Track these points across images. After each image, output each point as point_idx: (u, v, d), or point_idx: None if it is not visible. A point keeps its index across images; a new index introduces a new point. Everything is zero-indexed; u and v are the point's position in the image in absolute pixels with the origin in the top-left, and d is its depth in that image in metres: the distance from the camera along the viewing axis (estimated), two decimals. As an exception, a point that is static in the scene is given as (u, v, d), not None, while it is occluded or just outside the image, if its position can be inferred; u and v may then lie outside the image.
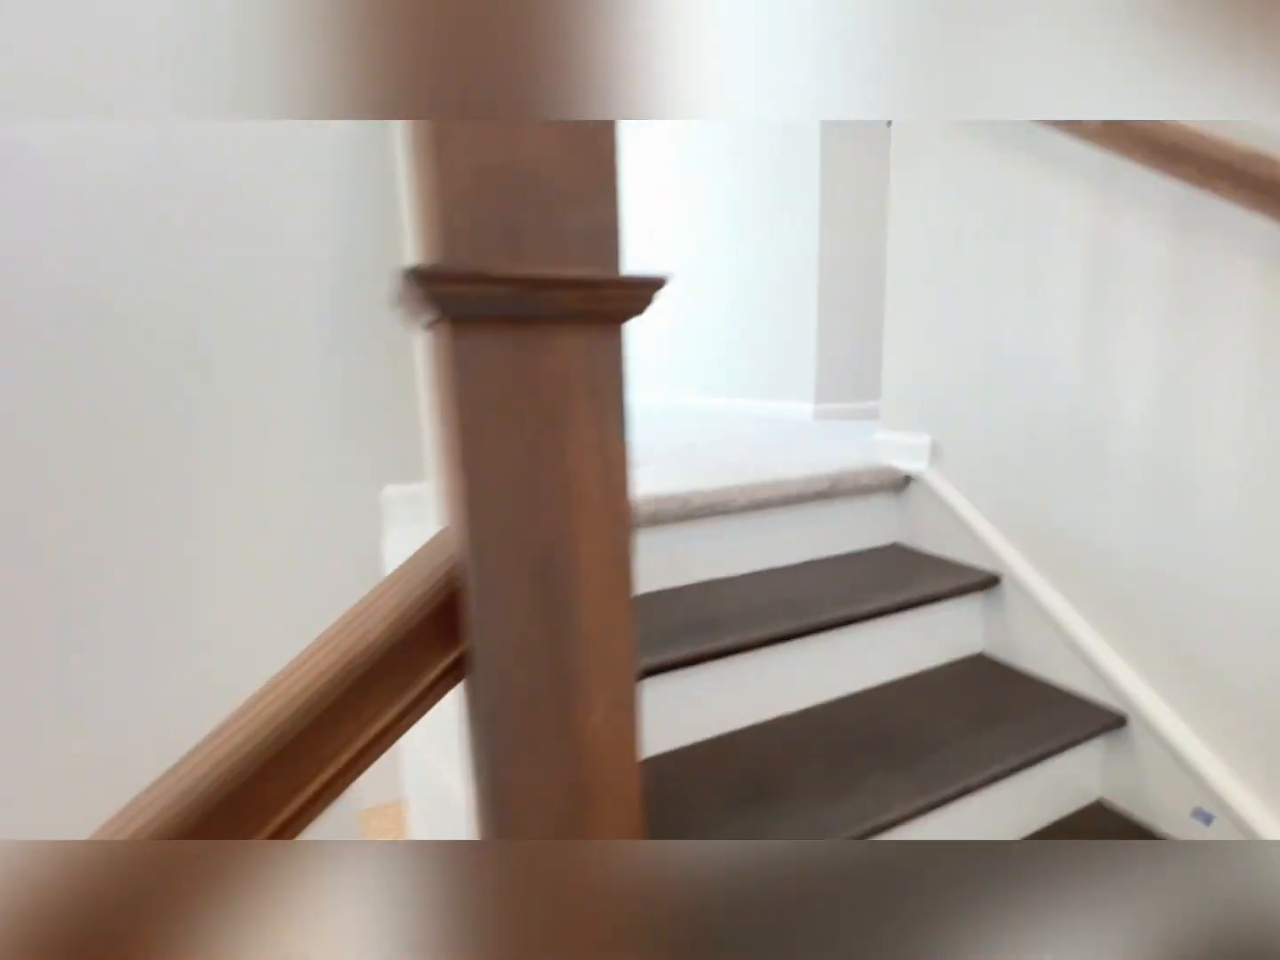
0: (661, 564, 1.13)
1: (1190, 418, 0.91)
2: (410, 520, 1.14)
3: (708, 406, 3.22)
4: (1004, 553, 1.16)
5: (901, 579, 1.17)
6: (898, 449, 1.35)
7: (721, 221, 3.04)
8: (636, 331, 4.14)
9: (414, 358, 1.14)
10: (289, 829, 0.33)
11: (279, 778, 0.32)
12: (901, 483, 1.33)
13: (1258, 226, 0.81)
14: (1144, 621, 0.99)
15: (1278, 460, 0.83)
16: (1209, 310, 0.87)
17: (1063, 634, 1.08)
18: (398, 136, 1.18)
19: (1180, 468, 0.92)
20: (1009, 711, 1.04)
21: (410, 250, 1.13)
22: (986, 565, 1.19)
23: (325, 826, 0.40)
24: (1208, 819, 0.90)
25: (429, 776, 1.25)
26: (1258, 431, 0.84)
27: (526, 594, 0.34)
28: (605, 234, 0.30)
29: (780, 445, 1.69)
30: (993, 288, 1.14)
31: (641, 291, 0.31)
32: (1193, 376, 0.90)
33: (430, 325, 0.31)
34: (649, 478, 1.27)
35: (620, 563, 0.36)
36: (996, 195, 1.11)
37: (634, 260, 3.98)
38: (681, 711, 0.96)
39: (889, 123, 2.02)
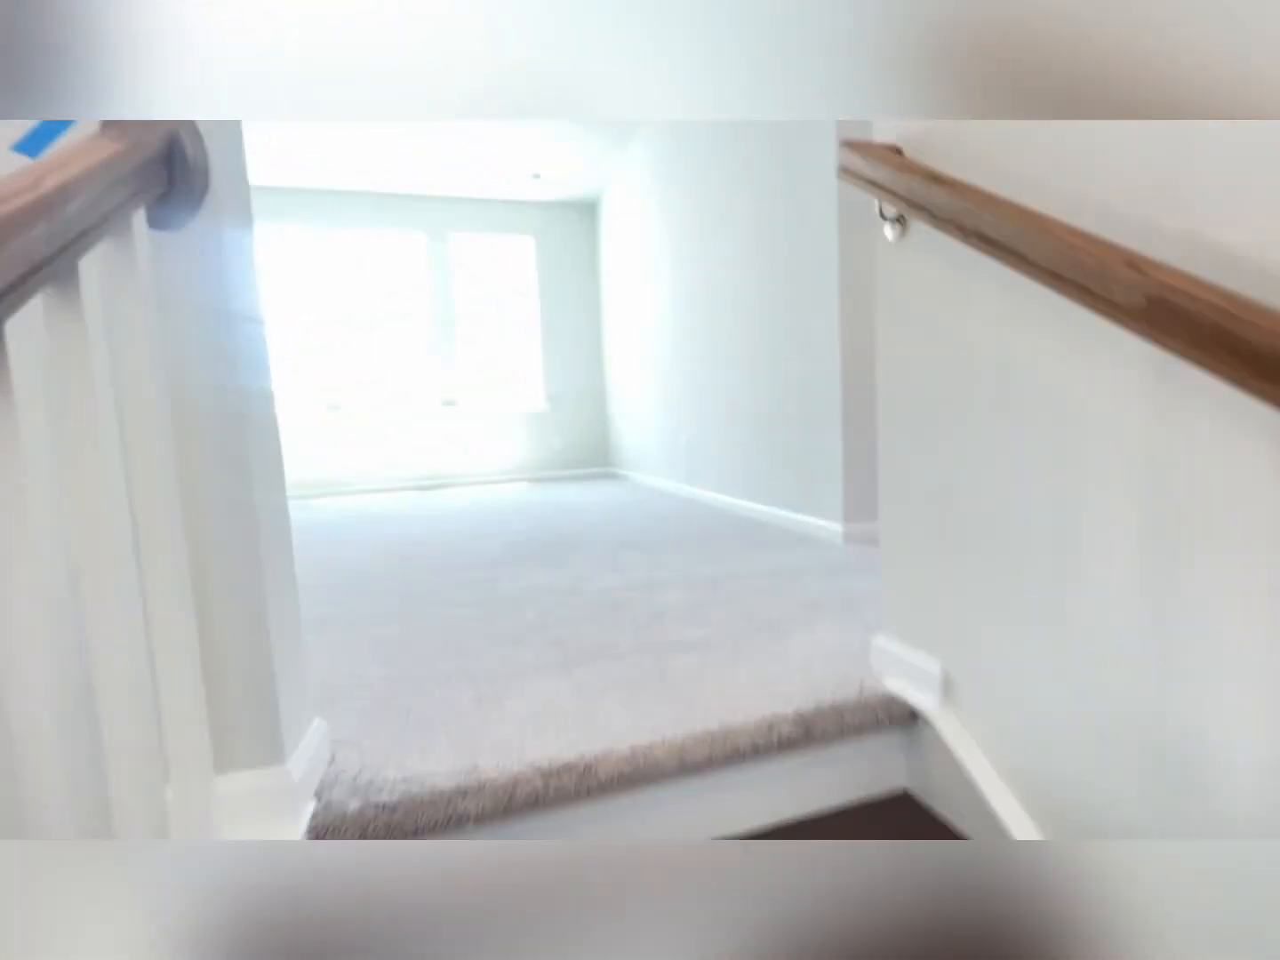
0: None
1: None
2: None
3: (740, 511, 2.93)
4: (1048, 866, 0.80)
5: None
6: (902, 668, 1.02)
7: (749, 321, 2.82)
8: (663, 423, 3.95)
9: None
10: None
11: None
12: (907, 718, 1.00)
13: None
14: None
15: None
16: (1356, 592, 0.53)
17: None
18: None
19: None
20: None
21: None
22: (1024, 873, 0.83)
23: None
24: None
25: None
26: None
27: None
28: None
29: (769, 622, 1.38)
30: (1011, 487, 0.82)
31: None
32: (1336, 692, 0.55)
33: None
34: (565, 699, 1.01)
35: None
36: (1013, 371, 0.81)
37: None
38: None
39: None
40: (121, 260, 0.58)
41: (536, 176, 4.73)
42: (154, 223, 0.66)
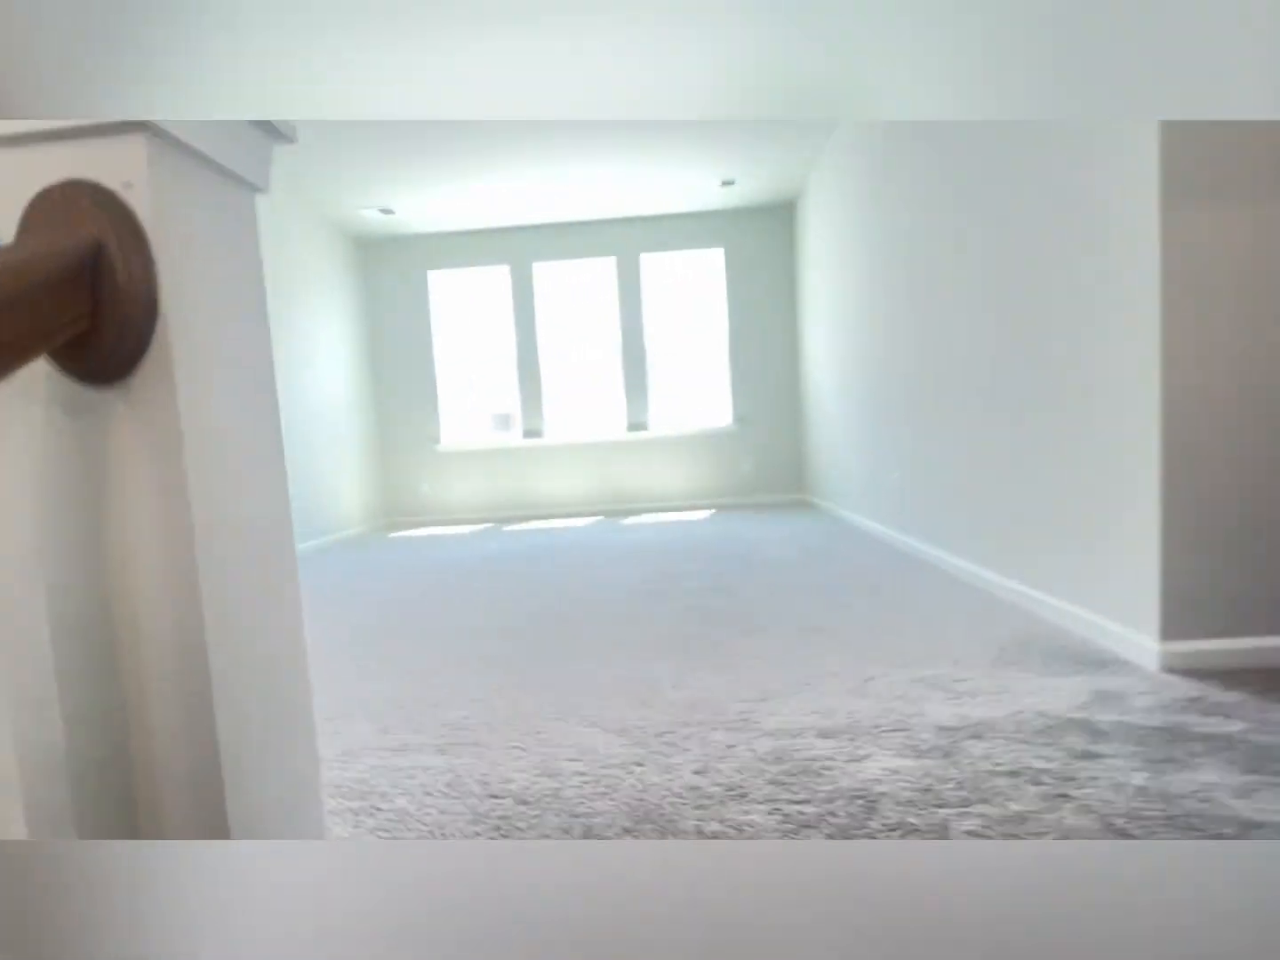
0: None
1: None
2: None
3: (971, 580, 2.26)
4: None
5: None
6: None
7: (988, 335, 2.15)
8: (867, 453, 3.32)
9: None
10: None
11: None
12: None
13: None
14: None
15: None
16: None
17: None
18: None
19: None
20: None
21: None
22: None
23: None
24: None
25: None
26: None
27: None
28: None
29: None
30: None
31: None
32: None
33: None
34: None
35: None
36: None
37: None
38: None
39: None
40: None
41: (728, 183, 4.39)
42: (79, 374, 0.44)
